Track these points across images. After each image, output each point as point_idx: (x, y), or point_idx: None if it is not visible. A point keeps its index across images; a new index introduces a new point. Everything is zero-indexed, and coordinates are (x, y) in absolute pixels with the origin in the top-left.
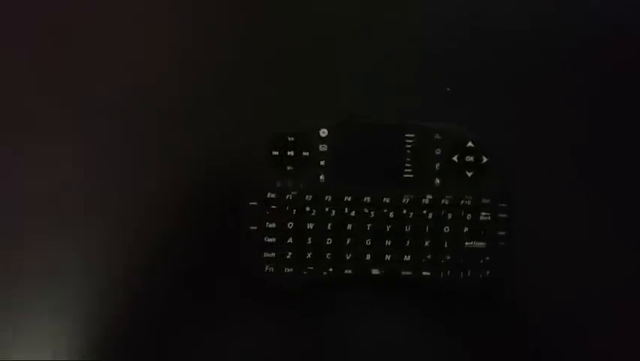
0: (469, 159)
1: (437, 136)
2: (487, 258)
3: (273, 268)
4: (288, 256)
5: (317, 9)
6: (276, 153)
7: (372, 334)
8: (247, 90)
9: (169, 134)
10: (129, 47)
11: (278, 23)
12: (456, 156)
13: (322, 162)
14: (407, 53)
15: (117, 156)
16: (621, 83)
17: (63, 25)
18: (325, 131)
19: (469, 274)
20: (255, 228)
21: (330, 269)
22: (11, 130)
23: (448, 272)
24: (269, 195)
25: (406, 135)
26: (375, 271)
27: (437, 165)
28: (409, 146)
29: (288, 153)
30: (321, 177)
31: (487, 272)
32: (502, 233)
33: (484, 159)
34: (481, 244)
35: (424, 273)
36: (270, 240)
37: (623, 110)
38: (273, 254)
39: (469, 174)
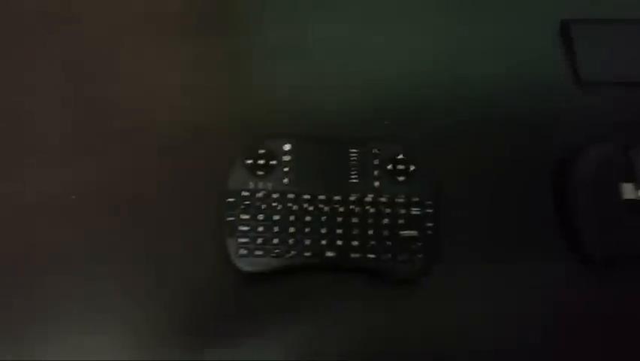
0: (401, 167)
1: (375, 150)
2: (420, 244)
3: (245, 251)
4: (258, 242)
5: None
6: (250, 161)
7: (326, 307)
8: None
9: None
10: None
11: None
12: (390, 165)
13: (286, 169)
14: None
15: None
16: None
17: None
18: (288, 145)
19: (405, 256)
20: (232, 218)
21: (293, 252)
22: None
23: (389, 255)
24: (243, 193)
25: (350, 150)
26: (329, 254)
27: (376, 172)
28: (354, 157)
29: (259, 161)
30: (285, 180)
31: (419, 255)
32: (429, 224)
33: (412, 167)
34: (413, 232)
35: (369, 255)
36: (243, 228)
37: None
38: (247, 239)
39: (401, 179)
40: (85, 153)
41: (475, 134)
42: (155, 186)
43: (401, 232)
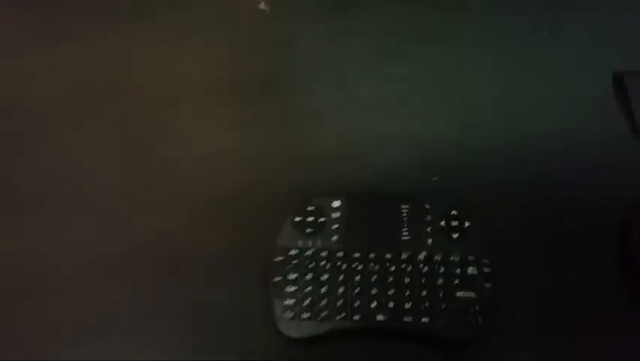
0: (455, 223)
1: (427, 206)
2: (477, 306)
3: (292, 314)
4: (305, 303)
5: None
6: (299, 219)
7: None
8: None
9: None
10: None
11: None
12: (443, 221)
13: (335, 226)
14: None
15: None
16: None
17: None
18: (338, 202)
19: (462, 320)
20: (279, 278)
21: (342, 314)
22: None
23: (444, 318)
24: (291, 252)
25: (402, 206)
26: (380, 317)
27: (428, 229)
28: (404, 213)
29: (308, 218)
30: (334, 238)
31: (477, 319)
32: (487, 285)
33: (467, 223)
34: (471, 294)
35: (423, 319)
36: (290, 289)
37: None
38: (293, 301)
39: (455, 236)
40: (141, 213)
41: (531, 189)
42: (205, 245)
43: (457, 293)
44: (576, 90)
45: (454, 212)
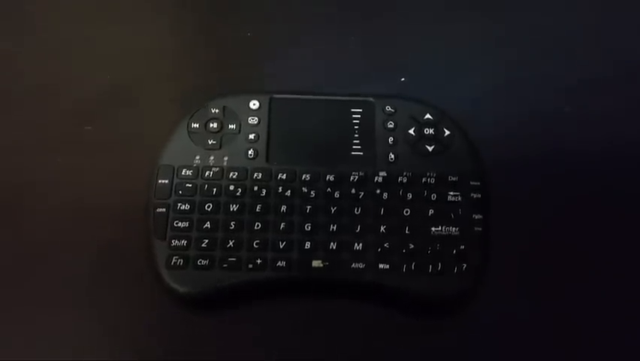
0: (429, 131)
1: (389, 108)
2: (462, 247)
3: (182, 261)
4: (202, 245)
5: None
6: (196, 125)
7: (310, 349)
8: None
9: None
10: None
11: None
12: (413, 129)
13: (252, 136)
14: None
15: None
16: None
17: None
18: (256, 103)
19: (439, 267)
20: (163, 210)
21: (258, 261)
22: None
23: (412, 265)
24: (184, 171)
25: (352, 110)
26: (316, 264)
27: (390, 139)
28: (355, 120)
29: (211, 125)
30: (250, 152)
31: (463, 266)
32: (477, 217)
33: (447, 132)
34: (452, 229)
35: (381, 266)
36: (180, 224)
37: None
38: (185, 242)
39: (430, 149)
40: None
41: (526, 93)
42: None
43: (432, 229)
44: None
45: (427, 116)
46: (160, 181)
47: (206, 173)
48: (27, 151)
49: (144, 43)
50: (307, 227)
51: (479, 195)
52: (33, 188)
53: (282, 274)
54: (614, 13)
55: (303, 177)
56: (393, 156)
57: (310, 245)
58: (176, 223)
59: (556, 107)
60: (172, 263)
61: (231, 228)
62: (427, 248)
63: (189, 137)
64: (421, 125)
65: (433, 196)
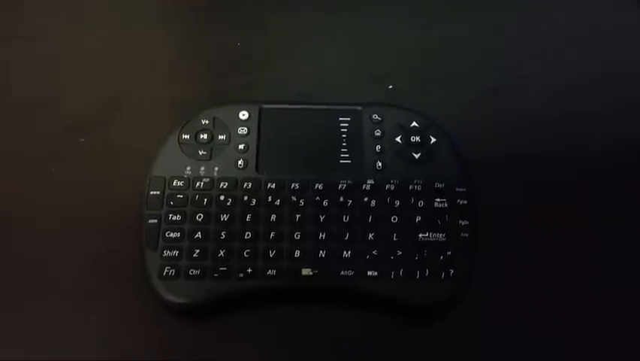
0: (416, 139)
1: (376, 116)
2: (449, 253)
3: (173, 271)
4: (194, 255)
5: None
6: (186, 136)
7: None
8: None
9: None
10: None
11: None
12: (400, 137)
13: (241, 146)
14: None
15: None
16: None
17: None
18: (245, 114)
19: (427, 273)
20: (155, 221)
21: (248, 270)
22: None
23: (400, 272)
24: (175, 182)
25: (340, 118)
26: (305, 272)
27: (378, 147)
28: (343, 128)
29: (201, 136)
30: (239, 162)
31: (450, 272)
32: (463, 222)
33: (433, 139)
34: (439, 236)
35: (369, 273)
36: (172, 234)
37: None
38: (176, 252)
39: (417, 156)
40: None
41: (512, 98)
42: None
43: (420, 236)
44: None
45: (414, 124)
46: (152, 192)
47: (197, 184)
48: (20, 162)
49: (135, 56)
50: (297, 236)
51: (465, 202)
52: (26, 199)
53: (273, 282)
54: (601, 15)
55: (293, 186)
56: (380, 164)
57: (300, 254)
58: (168, 234)
59: (543, 112)
60: (164, 273)
61: (222, 238)
62: (414, 255)
63: (180, 148)
64: (407, 132)
65: (420, 203)
